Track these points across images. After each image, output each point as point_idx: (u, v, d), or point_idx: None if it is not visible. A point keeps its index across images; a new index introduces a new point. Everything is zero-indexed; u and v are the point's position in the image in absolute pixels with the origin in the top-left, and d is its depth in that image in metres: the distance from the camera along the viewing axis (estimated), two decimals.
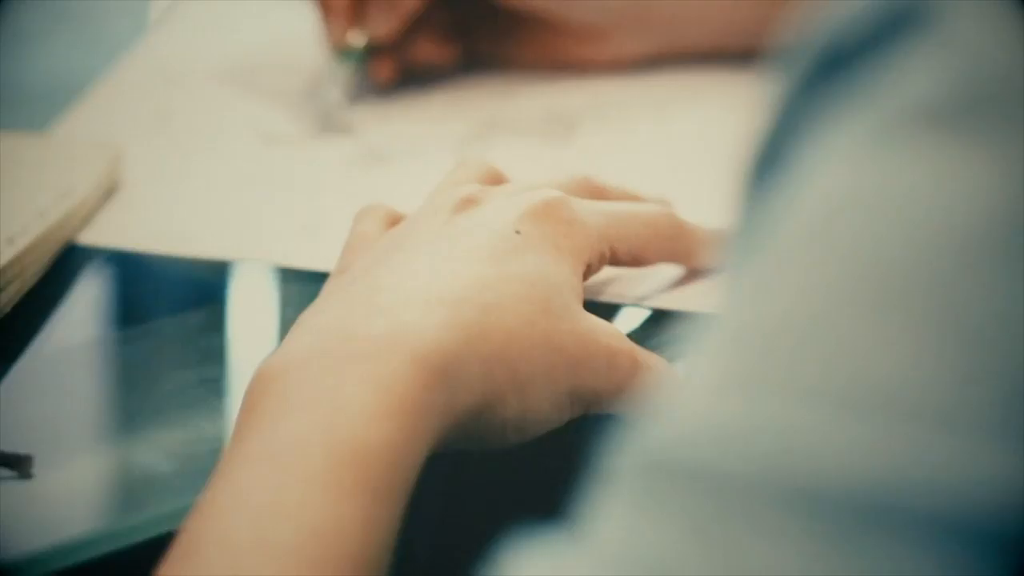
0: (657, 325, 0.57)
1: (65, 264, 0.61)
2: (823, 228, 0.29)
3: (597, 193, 0.56)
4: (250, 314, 0.61)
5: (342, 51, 0.71)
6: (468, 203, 0.53)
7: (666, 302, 0.57)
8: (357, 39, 0.71)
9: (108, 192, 0.64)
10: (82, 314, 0.58)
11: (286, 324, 0.60)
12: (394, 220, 0.56)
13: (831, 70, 0.30)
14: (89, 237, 0.62)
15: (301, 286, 0.60)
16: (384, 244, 0.52)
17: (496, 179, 0.57)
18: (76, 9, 0.83)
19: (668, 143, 0.70)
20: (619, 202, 0.56)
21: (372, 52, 0.72)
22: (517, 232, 0.51)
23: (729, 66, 0.73)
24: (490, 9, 0.73)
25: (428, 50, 0.73)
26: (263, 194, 0.66)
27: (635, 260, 0.55)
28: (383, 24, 0.71)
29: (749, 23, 0.73)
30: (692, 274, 0.57)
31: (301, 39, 0.78)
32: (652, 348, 0.52)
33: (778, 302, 0.29)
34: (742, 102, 0.73)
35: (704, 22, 0.74)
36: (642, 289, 0.57)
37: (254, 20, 0.81)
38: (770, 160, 0.32)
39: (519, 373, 0.48)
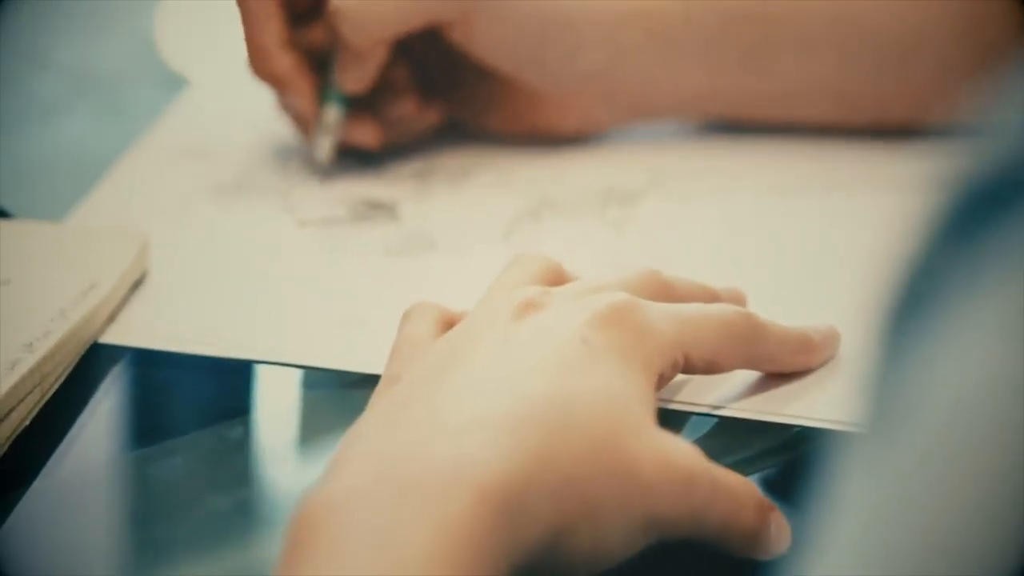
0: (733, 434, 0.52)
1: (86, 366, 0.56)
2: (977, 424, 0.25)
3: (665, 290, 0.52)
4: (284, 425, 0.56)
5: (324, 95, 0.67)
6: (529, 308, 0.48)
7: (742, 410, 0.52)
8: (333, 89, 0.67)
9: (135, 285, 0.60)
10: (104, 426, 0.54)
11: (325, 434, 0.56)
12: (446, 321, 0.52)
13: (994, 210, 0.26)
14: (113, 335, 0.58)
15: (342, 391, 0.56)
16: (438, 354, 0.48)
17: (556, 276, 0.53)
18: (93, 82, 0.79)
19: (736, 221, 0.65)
20: (691, 303, 0.51)
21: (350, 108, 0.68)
22: (584, 342, 0.46)
23: (800, 135, 0.69)
24: (457, 71, 0.70)
25: (406, 109, 0.70)
26: (299, 284, 0.62)
27: (710, 366, 0.50)
28: (354, 80, 0.67)
29: (727, 92, 0.69)
30: (770, 379, 0.53)
31: None
32: (729, 463, 0.47)
33: (922, 509, 0.25)
34: (815, 176, 0.70)
35: (674, 89, 0.69)
36: (716, 395, 0.53)
37: None
38: (914, 305, 0.27)
39: (590, 501, 0.44)
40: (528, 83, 0.69)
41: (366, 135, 0.69)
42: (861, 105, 0.69)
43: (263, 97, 0.73)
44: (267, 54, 0.67)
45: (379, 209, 0.66)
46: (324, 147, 0.68)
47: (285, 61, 0.67)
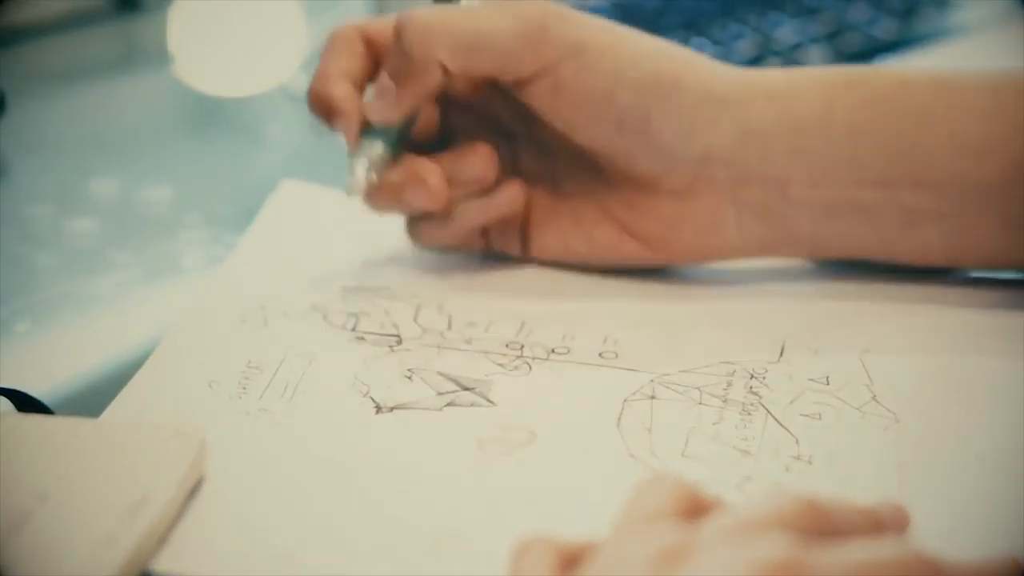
0: None
1: None
2: None
3: (824, 523, 0.44)
4: None
5: (367, 134, 0.62)
6: (672, 557, 0.40)
7: None
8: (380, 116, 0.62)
9: (189, 496, 0.52)
10: None
11: None
12: (564, 559, 0.44)
13: None
14: (166, 562, 0.49)
15: None
16: None
17: (695, 506, 0.44)
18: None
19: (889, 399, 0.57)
20: (857, 545, 0.42)
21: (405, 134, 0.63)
22: None
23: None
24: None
25: (479, 169, 0.63)
26: (380, 486, 0.53)
27: None
28: (404, 97, 0.61)
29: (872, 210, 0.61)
30: None
31: (407, 262, 0.66)
32: None
33: None
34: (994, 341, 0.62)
35: (810, 197, 0.61)
36: None
37: (349, 241, 0.68)
38: None
39: None
40: (634, 161, 0.61)
41: (431, 183, 0.62)
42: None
43: (321, 250, 0.66)
44: (327, 78, 0.63)
45: (467, 391, 0.58)
46: (357, 178, 0.61)
47: (341, 88, 0.62)
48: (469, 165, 0.63)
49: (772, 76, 0.62)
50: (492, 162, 0.63)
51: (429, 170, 0.62)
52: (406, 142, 0.63)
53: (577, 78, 0.60)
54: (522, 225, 0.65)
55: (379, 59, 0.64)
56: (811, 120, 0.60)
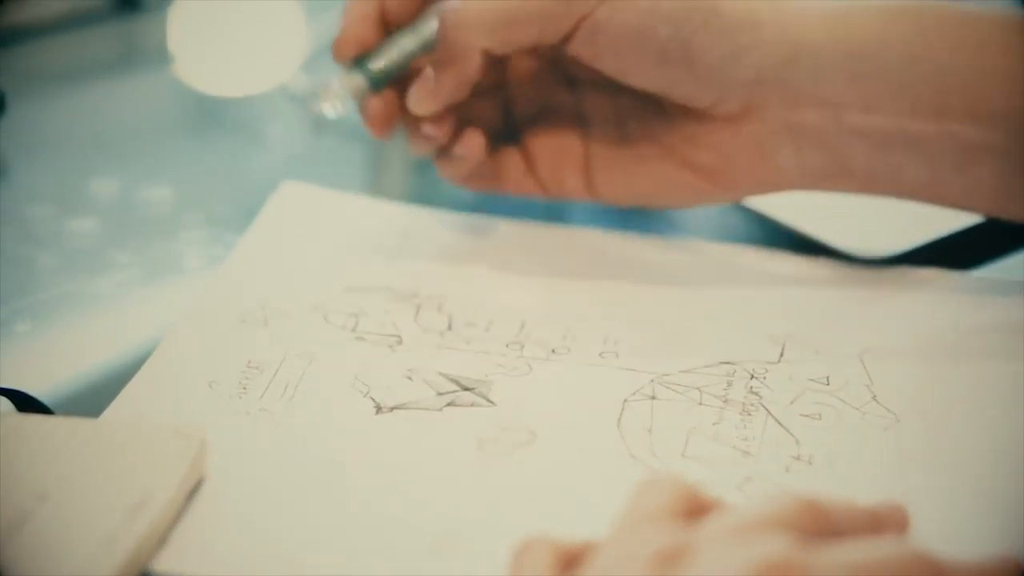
0: None
1: None
2: None
3: (824, 523, 0.44)
4: None
5: (352, 63, 0.64)
6: (672, 558, 0.40)
7: None
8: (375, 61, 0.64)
9: (189, 496, 0.52)
10: None
11: None
12: (563, 559, 0.44)
13: None
14: (166, 561, 0.49)
15: None
16: None
17: (695, 506, 0.44)
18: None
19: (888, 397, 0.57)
20: (855, 544, 0.42)
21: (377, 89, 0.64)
22: None
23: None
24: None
25: (470, 149, 0.64)
26: (380, 487, 0.53)
27: None
28: (447, 87, 0.62)
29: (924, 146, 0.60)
30: None
31: (407, 262, 0.66)
32: None
33: None
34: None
35: (865, 124, 0.61)
36: None
37: (349, 241, 0.68)
38: None
39: None
40: (672, 96, 0.61)
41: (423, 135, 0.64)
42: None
43: (321, 250, 0.65)
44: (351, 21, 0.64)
45: (468, 391, 0.58)
46: (332, 105, 0.64)
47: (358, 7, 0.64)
48: (467, 146, 0.64)
49: (825, 2, 0.61)
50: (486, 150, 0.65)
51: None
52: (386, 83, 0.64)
53: (612, 19, 0.59)
54: (585, 168, 0.65)
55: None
56: (866, 43, 0.60)
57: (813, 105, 0.60)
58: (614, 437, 0.55)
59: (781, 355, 0.60)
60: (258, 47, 0.95)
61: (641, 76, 0.61)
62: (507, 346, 0.61)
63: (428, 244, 0.68)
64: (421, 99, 0.62)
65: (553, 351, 0.60)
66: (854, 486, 0.53)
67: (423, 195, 0.76)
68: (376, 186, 0.84)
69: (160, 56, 0.92)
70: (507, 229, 0.68)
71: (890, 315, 0.62)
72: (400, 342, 0.61)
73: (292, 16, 0.96)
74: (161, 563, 0.49)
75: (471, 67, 0.61)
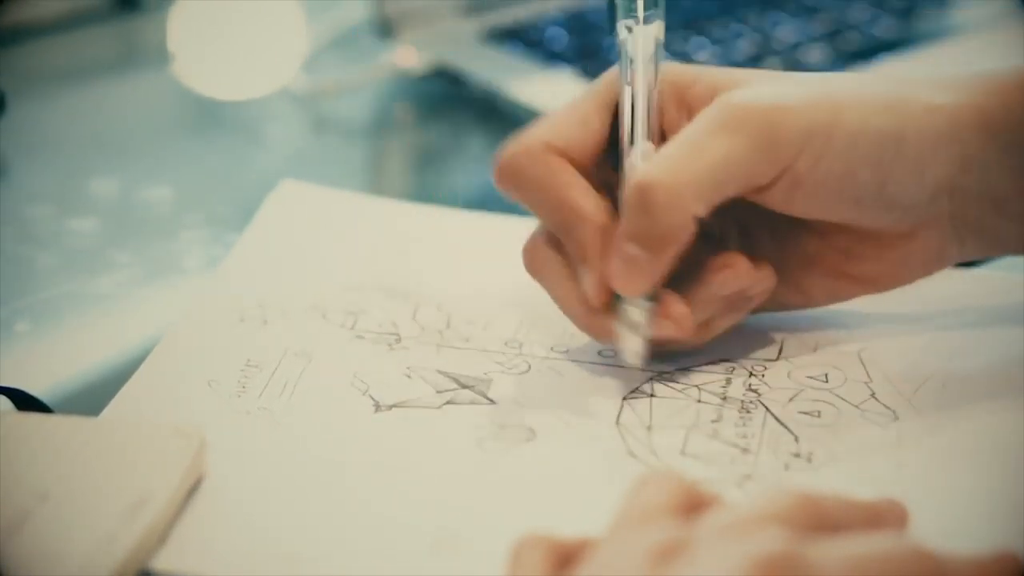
0: None
1: None
2: None
3: (821, 518, 0.44)
4: None
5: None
6: (670, 554, 0.40)
7: None
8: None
9: (190, 492, 0.52)
10: None
11: None
12: (561, 557, 0.44)
13: None
14: (166, 560, 0.49)
15: None
16: None
17: (693, 501, 0.44)
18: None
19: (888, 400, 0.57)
20: (854, 540, 0.42)
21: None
22: None
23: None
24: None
25: (736, 280, 0.58)
26: (379, 484, 0.53)
27: None
28: (646, 280, 0.56)
29: None
30: None
31: (406, 261, 0.66)
32: None
33: None
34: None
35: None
36: None
37: (348, 240, 0.68)
38: None
39: None
40: (865, 224, 0.57)
41: (673, 324, 0.57)
42: None
43: (320, 249, 0.65)
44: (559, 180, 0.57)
45: (467, 389, 0.58)
46: (634, 350, 0.56)
47: (588, 201, 0.57)
48: (722, 281, 0.58)
49: (979, 90, 0.57)
50: (750, 273, 0.59)
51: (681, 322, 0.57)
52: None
53: (814, 170, 0.56)
54: None
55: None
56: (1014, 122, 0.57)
57: (977, 204, 0.58)
58: (613, 435, 0.55)
59: (780, 353, 0.60)
60: (258, 48, 0.95)
61: (830, 215, 0.58)
62: (506, 344, 0.61)
63: (427, 242, 0.68)
64: (633, 280, 0.56)
65: (552, 349, 0.61)
66: (853, 483, 0.53)
67: (423, 194, 0.77)
68: (376, 186, 0.84)
69: (160, 56, 0.92)
70: (507, 227, 0.68)
71: (889, 312, 0.62)
72: (399, 340, 0.61)
73: (292, 17, 0.96)
74: (161, 562, 0.49)
75: (687, 237, 0.55)
